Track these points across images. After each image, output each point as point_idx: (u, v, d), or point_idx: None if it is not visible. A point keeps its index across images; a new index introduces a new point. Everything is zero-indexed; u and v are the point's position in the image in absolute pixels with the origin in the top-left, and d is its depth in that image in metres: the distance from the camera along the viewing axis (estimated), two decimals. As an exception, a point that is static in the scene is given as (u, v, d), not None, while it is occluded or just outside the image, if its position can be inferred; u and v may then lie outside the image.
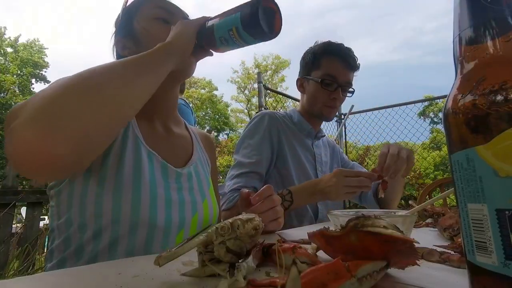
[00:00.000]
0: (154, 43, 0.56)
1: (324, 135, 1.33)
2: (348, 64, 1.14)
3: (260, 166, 1.06)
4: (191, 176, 0.70)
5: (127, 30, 0.70)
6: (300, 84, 1.24)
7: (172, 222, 0.61)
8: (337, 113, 2.29)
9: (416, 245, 0.28)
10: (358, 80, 1.20)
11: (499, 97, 0.22)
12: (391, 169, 0.88)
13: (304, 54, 1.24)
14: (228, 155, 15.29)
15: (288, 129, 1.19)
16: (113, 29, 0.75)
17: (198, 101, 21.35)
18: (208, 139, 0.89)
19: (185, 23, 0.60)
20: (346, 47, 1.17)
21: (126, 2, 0.73)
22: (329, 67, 1.14)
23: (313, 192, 0.95)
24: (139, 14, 0.70)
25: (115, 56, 0.73)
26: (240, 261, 0.34)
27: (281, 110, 1.31)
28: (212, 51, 0.63)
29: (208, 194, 0.73)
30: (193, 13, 0.73)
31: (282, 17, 0.55)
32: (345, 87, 1.15)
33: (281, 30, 0.55)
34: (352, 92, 1.20)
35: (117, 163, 0.58)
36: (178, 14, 0.71)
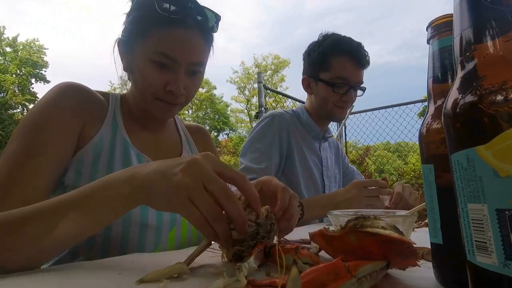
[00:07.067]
0: (144, 85, 0.60)
1: (331, 135, 1.28)
2: (359, 63, 1.06)
3: (270, 172, 1.01)
4: None
5: (129, 43, 0.64)
6: (307, 85, 1.16)
7: (163, 220, 0.62)
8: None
9: (417, 245, 0.28)
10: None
11: (499, 97, 0.22)
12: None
13: (309, 49, 1.14)
14: (227, 155, 15.26)
15: (297, 130, 1.14)
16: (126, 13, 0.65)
17: (197, 101, 21.32)
18: (201, 131, 0.88)
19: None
20: (356, 42, 1.08)
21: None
22: (340, 69, 1.06)
23: (326, 205, 0.92)
24: (141, 43, 0.61)
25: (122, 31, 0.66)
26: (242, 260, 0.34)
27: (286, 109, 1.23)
28: None
29: None
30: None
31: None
32: (356, 87, 1.10)
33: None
34: (364, 90, 1.13)
35: (106, 168, 0.60)
36: (183, 58, 0.60)
